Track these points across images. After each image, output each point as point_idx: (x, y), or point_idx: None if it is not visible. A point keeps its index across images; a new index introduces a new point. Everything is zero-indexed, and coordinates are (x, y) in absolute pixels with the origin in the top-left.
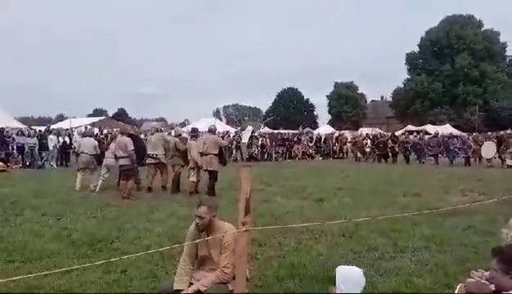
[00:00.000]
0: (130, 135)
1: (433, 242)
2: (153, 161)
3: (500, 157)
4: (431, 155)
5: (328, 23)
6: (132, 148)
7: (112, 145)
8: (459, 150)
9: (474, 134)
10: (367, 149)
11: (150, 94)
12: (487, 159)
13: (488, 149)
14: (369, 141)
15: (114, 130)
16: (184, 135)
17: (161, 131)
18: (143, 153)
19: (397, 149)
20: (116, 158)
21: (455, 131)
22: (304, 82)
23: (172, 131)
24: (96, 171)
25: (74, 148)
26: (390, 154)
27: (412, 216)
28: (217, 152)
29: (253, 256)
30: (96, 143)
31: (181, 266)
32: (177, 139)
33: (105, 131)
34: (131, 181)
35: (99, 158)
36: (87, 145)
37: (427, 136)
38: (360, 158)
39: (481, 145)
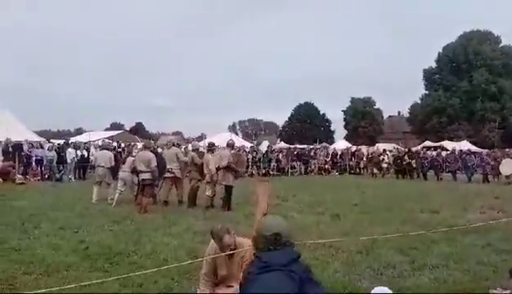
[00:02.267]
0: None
1: (451, 260)
2: (168, 175)
3: None
4: (449, 171)
5: (345, 37)
6: (155, 164)
7: (129, 159)
8: (477, 167)
9: (493, 150)
10: (384, 165)
11: (167, 108)
12: (506, 176)
13: (507, 166)
14: (386, 157)
15: (132, 144)
16: (201, 149)
17: (178, 145)
18: (163, 168)
19: (414, 165)
20: (137, 171)
21: (473, 148)
22: (320, 97)
23: (190, 146)
24: (111, 183)
25: (91, 161)
26: (407, 170)
27: (430, 234)
28: (229, 166)
29: None
30: (112, 155)
31: (201, 286)
32: (194, 153)
33: (122, 145)
34: (150, 196)
35: (114, 171)
36: (103, 158)
37: (444, 152)
38: (376, 174)
39: (499, 162)
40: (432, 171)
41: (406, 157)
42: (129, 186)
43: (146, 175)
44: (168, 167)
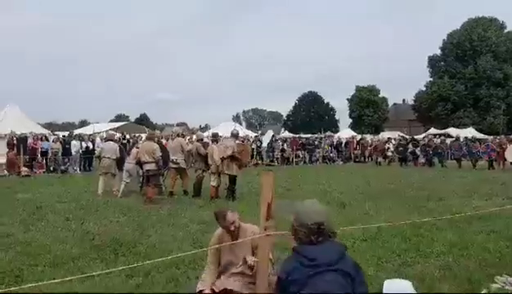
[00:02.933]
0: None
1: (456, 247)
2: (173, 165)
3: None
4: (455, 159)
5: (349, 26)
6: (160, 154)
7: (134, 150)
8: (482, 153)
9: (499, 137)
10: (389, 153)
11: (171, 99)
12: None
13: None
14: (391, 145)
15: (136, 135)
16: (206, 140)
17: (182, 136)
18: (167, 158)
19: (418, 153)
20: (141, 162)
21: (479, 135)
22: (325, 86)
23: (194, 136)
24: (117, 175)
25: (97, 153)
26: (411, 158)
27: (435, 221)
28: (233, 156)
29: (275, 261)
30: (118, 147)
31: (205, 273)
32: (198, 143)
33: (127, 136)
34: (154, 186)
35: (120, 162)
36: (109, 150)
37: (449, 139)
38: (380, 162)
39: (504, 149)
40: (436, 158)
41: (409, 145)
42: (134, 177)
43: (151, 166)
44: (172, 157)
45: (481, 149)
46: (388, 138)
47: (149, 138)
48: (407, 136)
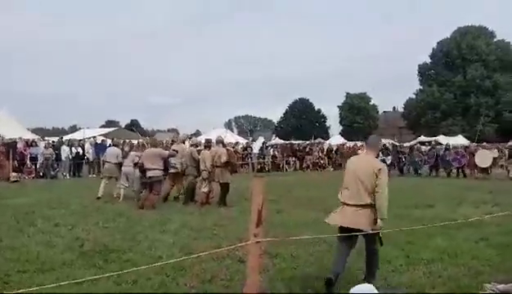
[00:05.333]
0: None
1: (446, 255)
2: (172, 170)
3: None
4: (430, 167)
5: (339, 33)
6: (167, 155)
7: (131, 154)
8: (453, 161)
9: (473, 144)
10: None
11: (162, 104)
12: (482, 169)
13: (483, 158)
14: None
15: (127, 141)
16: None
17: (172, 142)
18: (167, 164)
19: (387, 162)
20: (144, 169)
21: (467, 143)
22: (316, 93)
23: (187, 142)
24: (119, 179)
25: (88, 158)
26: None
27: (425, 228)
28: (227, 162)
29: (265, 267)
30: (120, 152)
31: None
32: (193, 148)
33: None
34: (157, 193)
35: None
36: (111, 155)
37: (423, 147)
38: None
39: (474, 155)
40: (411, 167)
41: (380, 153)
42: (132, 180)
43: (154, 173)
44: (172, 162)
45: (451, 156)
46: (361, 145)
47: (153, 145)
48: (397, 143)
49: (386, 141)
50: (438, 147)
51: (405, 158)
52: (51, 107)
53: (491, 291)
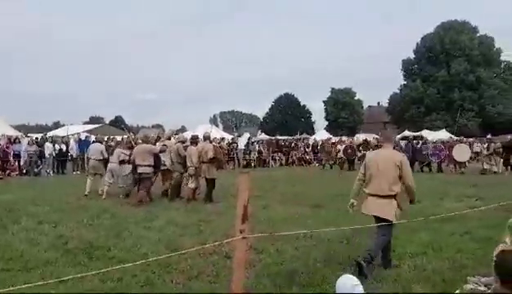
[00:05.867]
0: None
1: (430, 249)
2: (163, 167)
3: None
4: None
5: (324, 29)
6: (158, 151)
7: (117, 150)
8: (431, 155)
9: (471, 139)
10: (340, 155)
11: (146, 100)
12: (460, 163)
13: (461, 152)
14: (340, 147)
15: (111, 137)
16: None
17: (158, 138)
18: (159, 161)
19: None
20: (135, 165)
21: (451, 137)
22: (301, 88)
23: (172, 138)
24: (104, 175)
25: (72, 155)
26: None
27: (409, 223)
28: (213, 158)
29: (252, 263)
30: (103, 148)
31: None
32: (179, 145)
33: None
34: (147, 189)
35: (106, 163)
36: (95, 151)
37: (403, 142)
38: (325, 165)
39: (451, 150)
40: None
41: (360, 147)
42: (117, 177)
43: (145, 169)
44: (162, 159)
45: (430, 150)
46: (340, 140)
47: (144, 141)
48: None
49: (371, 136)
50: (415, 141)
51: None
52: (34, 103)
53: (474, 285)
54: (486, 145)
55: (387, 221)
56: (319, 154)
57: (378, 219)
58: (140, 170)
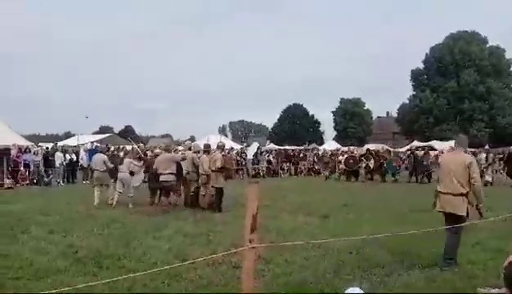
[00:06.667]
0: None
1: (441, 259)
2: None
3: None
4: (411, 172)
5: (333, 38)
6: (180, 159)
7: (126, 160)
8: (432, 164)
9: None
10: (341, 166)
11: (156, 110)
12: None
13: None
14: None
15: (121, 146)
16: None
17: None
18: (181, 169)
19: (371, 166)
20: (157, 174)
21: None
22: (309, 98)
23: (188, 147)
24: (110, 185)
25: (81, 165)
26: (363, 172)
27: (419, 233)
28: (221, 168)
29: (261, 273)
30: (106, 158)
31: None
32: (194, 155)
33: (112, 148)
34: (173, 195)
35: (112, 172)
36: (98, 162)
37: (400, 151)
38: (328, 176)
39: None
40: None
41: (363, 158)
42: (127, 186)
43: (168, 177)
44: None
45: (431, 160)
46: (342, 151)
47: (166, 150)
48: (391, 149)
49: (380, 147)
50: (417, 152)
51: (387, 164)
52: (45, 113)
53: None
54: (485, 156)
55: (458, 218)
56: (317, 166)
57: (448, 218)
58: (162, 178)
